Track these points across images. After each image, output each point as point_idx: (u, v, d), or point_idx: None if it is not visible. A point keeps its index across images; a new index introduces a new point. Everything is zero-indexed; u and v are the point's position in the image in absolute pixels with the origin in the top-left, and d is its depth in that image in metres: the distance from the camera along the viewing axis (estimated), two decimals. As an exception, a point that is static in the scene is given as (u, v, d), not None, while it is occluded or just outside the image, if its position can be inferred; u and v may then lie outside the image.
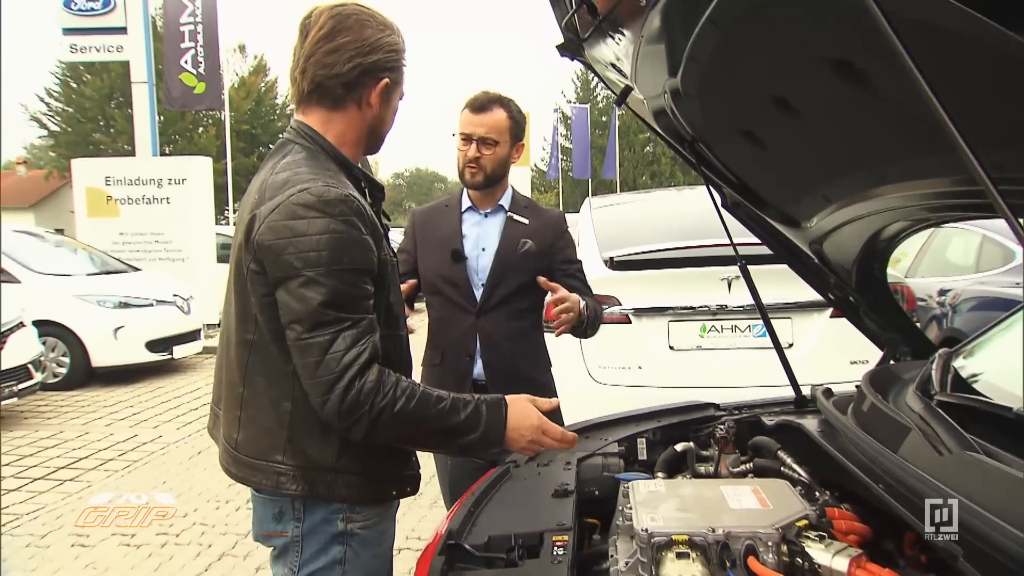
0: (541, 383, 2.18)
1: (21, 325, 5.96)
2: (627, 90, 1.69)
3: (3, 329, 5.65)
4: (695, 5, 1.03)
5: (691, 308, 3.42)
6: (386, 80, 1.30)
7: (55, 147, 26.17)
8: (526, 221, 2.16)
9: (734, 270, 3.37)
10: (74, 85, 24.78)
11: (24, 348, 5.88)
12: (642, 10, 1.06)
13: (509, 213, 2.17)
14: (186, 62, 12.31)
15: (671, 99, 1.51)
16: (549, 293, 2.03)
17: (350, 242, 1.18)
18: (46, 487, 4.41)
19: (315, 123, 1.32)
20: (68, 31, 12.55)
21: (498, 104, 2.09)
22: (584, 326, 2.05)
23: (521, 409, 1.30)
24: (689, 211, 4.00)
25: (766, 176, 1.62)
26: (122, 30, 12.11)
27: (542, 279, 2.01)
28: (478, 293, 2.13)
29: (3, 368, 5.55)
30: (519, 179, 19.64)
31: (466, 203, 2.21)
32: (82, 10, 12.34)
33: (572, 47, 1.56)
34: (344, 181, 1.26)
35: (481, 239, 2.17)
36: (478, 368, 2.12)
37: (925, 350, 1.82)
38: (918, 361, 1.79)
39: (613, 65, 1.47)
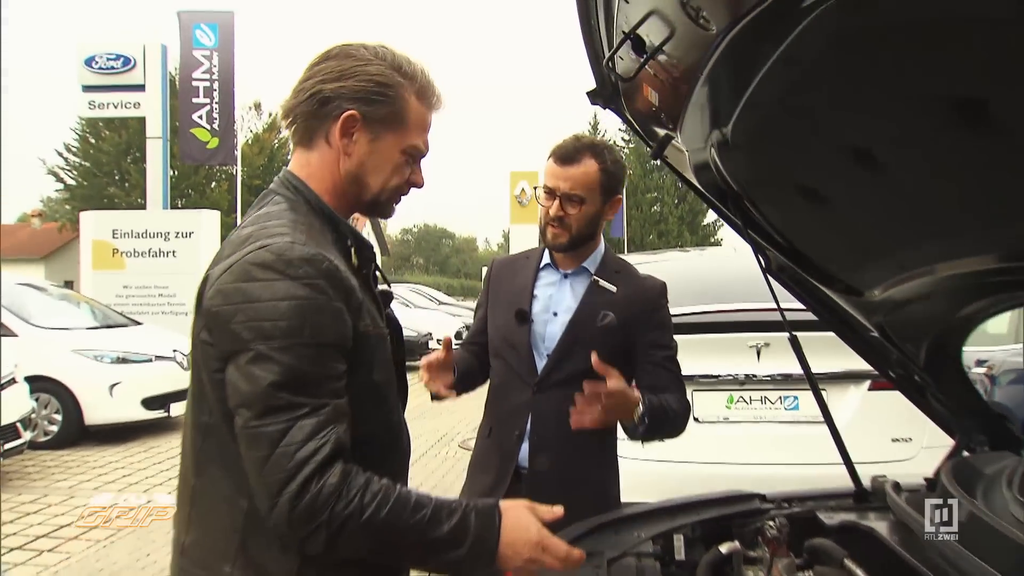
0: (598, 486, 1.84)
1: (12, 381, 5.76)
2: (665, 141, 1.52)
3: (-8, 386, 5.44)
4: (770, 39, 0.86)
5: (716, 377, 3.19)
6: (351, 112, 1.11)
7: (70, 200, 26.52)
8: (614, 289, 1.84)
9: (762, 337, 3.16)
10: (92, 140, 25.30)
11: (13, 406, 5.65)
12: (707, 42, 0.89)
13: (594, 277, 1.86)
14: (200, 117, 12.50)
15: (716, 151, 1.34)
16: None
17: (314, 310, 0.99)
18: (22, 558, 4.11)
19: (296, 167, 1.17)
20: (88, 88, 12.86)
21: (589, 153, 1.78)
22: (639, 429, 1.70)
23: (517, 520, 1.07)
24: (713, 274, 3.82)
25: (825, 238, 1.44)
26: (140, 87, 12.38)
27: (596, 360, 1.59)
28: (540, 364, 1.83)
29: (-10, 427, 5.31)
30: (528, 238, 19.31)
31: (546, 259, 1.93)
32: (103, 68, 12.67)
33: (606, 93, 1.40)
34: (324, 238, 1.09)
35: (554, 302, 1.87)
36: (524, 451, 1.83)
37: (1005, 440, 1.59)
38: (998, 453, 1.56)
39: (652, 113, 1.30)
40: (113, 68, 12.61)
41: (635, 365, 1.86)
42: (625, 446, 3.22)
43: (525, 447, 1.83)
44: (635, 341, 1.85)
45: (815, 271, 1.62)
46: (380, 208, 1.21)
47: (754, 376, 3.17)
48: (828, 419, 1.67)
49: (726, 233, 37.53)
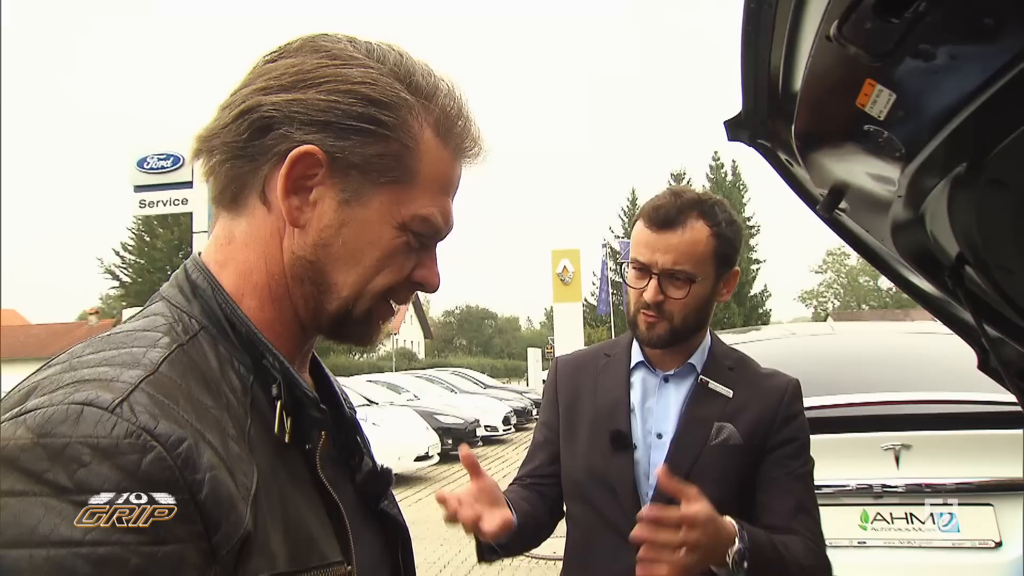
0: None
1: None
2: (840, 189, 1.03)
3: None
4: None
5: (846, 488, 2.56)
6: (308, 149, 0.62)
7: (125, 296, 27.52)
8: (729, 393, 1.36)
9: (900, 437, 2.53)
10: (147, 239, 26.58)
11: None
12: None
13: (703, 377, 1.38)
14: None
15: (950, 193, 0.85)
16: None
17: (94, 566, 0.47)
18: None
19: (210, 249, 0.69)
20: (139, 188, 13.45)
21: (695, 213, 1.31)
22: None
23: None
24: (830, 356, 3.22)
25: None
26: (188, 184, 12.78)
27: (663, 473, 1.13)
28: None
29: None
30: (570, 315, 18.34)
31: (636, 355, 1.43)
32: (153, 168, 13.25)
33: (758, 119, 0.93)
34: (213, 389, 0.59)
35: (656, 419, 1.38)
36: None
37: None
38: None
39: (862, 135, 0.81)
40: (163, 167, 13.14)
41: (760, 485, 1.33)
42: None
43: None
44: (763, 457, 1.34)
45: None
46: (354, 329, 0.69)
47: (893, 488, 2.53)
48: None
49: (774, 304, 36.30)
